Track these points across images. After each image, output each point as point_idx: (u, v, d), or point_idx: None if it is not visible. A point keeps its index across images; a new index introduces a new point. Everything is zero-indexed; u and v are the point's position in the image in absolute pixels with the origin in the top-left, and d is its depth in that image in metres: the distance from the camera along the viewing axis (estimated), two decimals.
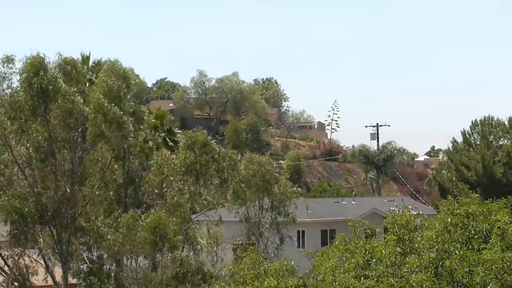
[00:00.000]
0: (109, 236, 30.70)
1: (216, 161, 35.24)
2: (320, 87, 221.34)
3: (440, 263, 19.31)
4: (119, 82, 33.41)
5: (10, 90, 31.75)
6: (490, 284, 18.46)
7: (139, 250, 31.11)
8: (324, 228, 62.98)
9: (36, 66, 30.84)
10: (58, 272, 32.80)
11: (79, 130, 31.65)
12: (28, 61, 30.93)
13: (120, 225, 30.84)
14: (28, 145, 30.99)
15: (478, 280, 18.46)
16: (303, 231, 62.27)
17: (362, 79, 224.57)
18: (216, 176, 35.18)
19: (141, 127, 35.19)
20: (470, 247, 19.68)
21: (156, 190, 34.05)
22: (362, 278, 19.87)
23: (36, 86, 30.45)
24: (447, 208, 21.42)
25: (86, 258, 33.73)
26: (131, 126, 32.22)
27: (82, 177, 32.38)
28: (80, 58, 63.03)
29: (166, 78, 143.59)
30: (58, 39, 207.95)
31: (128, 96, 34.13)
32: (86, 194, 32.28)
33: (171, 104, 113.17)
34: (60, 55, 31.60)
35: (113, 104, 30.91)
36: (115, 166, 34.47)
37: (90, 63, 70.17)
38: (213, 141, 37.07)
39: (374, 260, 20.48)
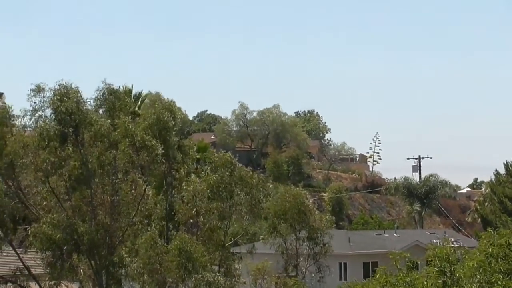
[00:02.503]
0: (132, 265, 30.30)
1: (243, 179, 34.72)
2: (361, 119, 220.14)
3: None
4: (166, 114, 33.19)
5: (42, 121, 31.77)
6: None
7: (168, 275, 30.46)
8: (366, 260, 62.35)
9: (61, 93, 30.95)
10: None
11: (112, 158, 31.20)
12: (55, 89, 31.15)
13: (140, 249, 30.26)
14: (64, 173, 30.76)
15: None
16: (345, 264, 62.20)
17: (404, 110, 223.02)
18: (245, 200, 34.47)
19: (186, 160, 34.98)
20: (511, 277, 19.57)
21: (191, 220, 33.60)
22: None
23: (62, 111, 30.48)
24: (487, 239, 21.15)
25: None
26: (162, 149, 31.35)
27: (119, 206, 31.84)
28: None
29: (206, 111, 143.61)
30: (100, 72, 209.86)
31: (176, 128, 34.02)
32: (123, 226, 32.07)
33: (212, 137, 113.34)
34: (107, 84, 31.70)
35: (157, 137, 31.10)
36: (158, 197, 34.25)
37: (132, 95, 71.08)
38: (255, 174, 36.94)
39: None
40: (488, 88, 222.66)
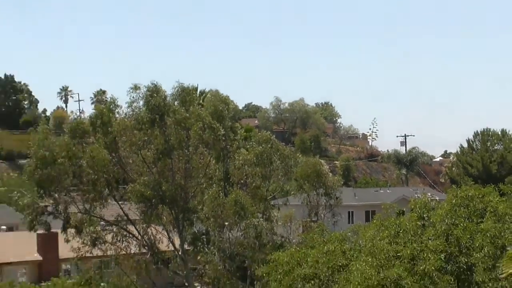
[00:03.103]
0: (201, 212, 30.87)
1: (279, 151, 34.62)
2: (364, 107, 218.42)
3: (450, 233, 19.33)
4: (222, 105, 33.53)
5: (137, 110, 31.77)
6: (486, 247, 18.42)
7: (226, 219, 30.69)
8: (367, 209, 63.23)
9: (152, 90, 31.05)
10: (176, 240, 32.73)
11: (186, 137, 31.08)
12: (148, 87, 31.26)
13: (207, 201, 30.72)
14: (152, 148, 30.74)
15: (477, 244, 18.67)
16: (352, 212, 62.81)
17: (395, 99, 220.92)
18: (280, 166, 34.20)
19: (236, 138, 34.88)
20: (471, 220, 19.88)
21: (241, 181, 33.40)
22: (392, 244, 19.59)
23: (152, 104, 30.59)
24: (453, 193, 21.67)
25: (196, 231, 33.35)
26: (223, 130, 31.60)
27: (190, 171, 31.74)
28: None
29: (251, 102, 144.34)
30: (175, 73, 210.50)
31: (229, 115, 34.34)
32: (194, 185, 32.11)
33: (256, 122, 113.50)
34: (180, 83, 31.86)
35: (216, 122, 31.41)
36: (217, 166, 33.86)
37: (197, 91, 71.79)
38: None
39: (402, 231, 20.11)
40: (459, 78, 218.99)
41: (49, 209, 30.66)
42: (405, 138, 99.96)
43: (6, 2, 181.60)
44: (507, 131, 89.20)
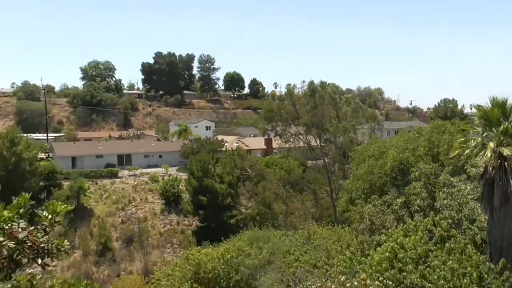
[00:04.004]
0: None
1: (361, 107, 62.82)
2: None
3: (430, 138, 27.98)
4: (335, 88, 57.84)
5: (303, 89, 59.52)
6: (445, 145, 27.10)
7: (338, 134, 59.60)
8: (396, 130, 78.82)
9: (310, 83, 55.34)
10: (317, 141, 62.22)
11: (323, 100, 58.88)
12: (309, 84, 58.75)
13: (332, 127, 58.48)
14: (309, 104, 58.81)
15: (442, 143, 27.29)
16: (388, 131, 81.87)
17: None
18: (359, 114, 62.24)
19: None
20: (441, 134, 28.95)
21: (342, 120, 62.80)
22: (404, 143, 29.02)
23: (310, 88, 57.16)
24: (432, 124, 38.04)
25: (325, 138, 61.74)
26: (338, 98, 59.61)
27: (324, 112, 61.05)
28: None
29: None
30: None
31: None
32: (326, 119, 61.64)
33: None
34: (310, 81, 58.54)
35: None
36: (333, 112, 61.57)
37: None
38: None
39: (408, 138, 30.79)
40: None
41: (269, 129, 61.61)
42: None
43: None
44: None
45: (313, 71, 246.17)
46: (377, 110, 69.91)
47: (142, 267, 44.78)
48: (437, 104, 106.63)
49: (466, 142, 16.17)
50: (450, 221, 17.23)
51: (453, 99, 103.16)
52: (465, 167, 23.18)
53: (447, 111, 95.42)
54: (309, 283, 12.62)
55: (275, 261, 23.39)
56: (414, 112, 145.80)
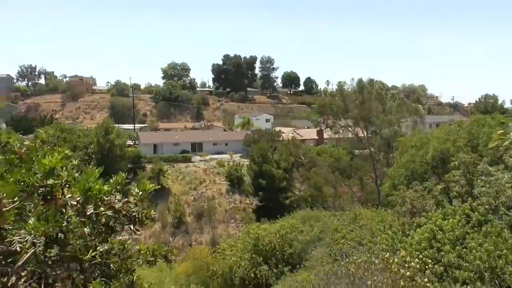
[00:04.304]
0: None
1: (406, 103, 60.65)
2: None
3: (470, 130, 28.27)
4: (381, 85, 56.98)
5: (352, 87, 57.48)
6: (485, 136, 25.44)
7: (383, 126, 57.98)
8: (437, 123, 77.55)
9: (362, 86, 54.52)
10: (364, 132, 60.75)
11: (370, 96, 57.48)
12: (358, 81, 54.91)
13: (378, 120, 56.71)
14: (358, 100, 57.97)
15: (481, 134, 26.75)
16: (430, 124, 78.26)
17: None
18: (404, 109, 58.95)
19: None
20: (481, 127, 28.65)
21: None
22: (445, 135, 29.11)
23: (360, 85, 56.78)
24: (472, 118, 35.42)
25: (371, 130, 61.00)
26: (384, 94, 58.02)
27: (370, 107, 59.49)
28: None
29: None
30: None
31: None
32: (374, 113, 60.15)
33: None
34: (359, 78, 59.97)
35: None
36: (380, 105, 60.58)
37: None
38: None
39: (450, 130, 31.31)
40: None
41: (321, 121, 61.36)
42: None
43: None
44: None
45: (363, 69, 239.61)
46: (420, 105, 65.90)
47: (210, 238, 45.73)
48: (478, 100, 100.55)
49: (505, 134, 15.19)
50: (487, 207, 16.33)
51: (493, 95, 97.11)
52: (503, 158, 21.83)
53: (488, 106, 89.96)
54: (355, 257, 12.48)
55: (324, 237, 23.27)
56: (455, 107, 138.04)
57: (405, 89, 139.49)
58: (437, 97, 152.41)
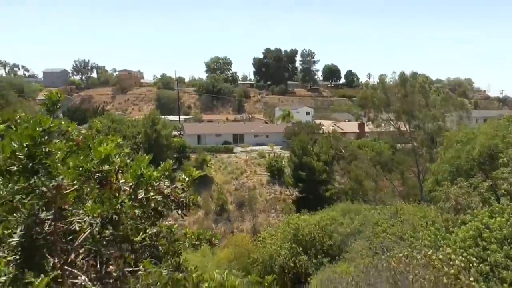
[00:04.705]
0: None
1: (451, 97, 55.89)
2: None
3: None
4: (424, 79, 53.64)
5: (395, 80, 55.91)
6: None
7: (426, 121, 55.76)
8: (484, 118, 75.09)
9: (404, 79, 52.27)
10: (406, 126, 58.81)
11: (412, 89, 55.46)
12: (400, 74, 52.21)
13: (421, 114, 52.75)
14: (400, 93, 56.20)
15: None
16: (477, 119, 75.99)
17: None
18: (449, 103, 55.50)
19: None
20: None
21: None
22: (493, 130, 27.75)
23: (402, 78, 55.10)
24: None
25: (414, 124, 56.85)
26: (427, 87, 55.94)
27: (413, 100, 57.35)
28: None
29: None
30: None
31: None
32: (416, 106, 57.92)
33: None
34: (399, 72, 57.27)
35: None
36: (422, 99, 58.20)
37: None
38: None
39: (498, 125, 29.03)
40: None
41: (362, 114, 59.99)
42: None
43: None
44: None
45: (406, 63, 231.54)
46: (466, 99, 62.53)
47: (251, 227, 46.05)
48: None
49: None
50: None
51: None
52: None
53: None
54: (396, 251, 12.18)
55: (364, 231, 22.91)
56: (504, 101, 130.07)
57: (450, 82, 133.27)
58: (484, 91, 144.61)
